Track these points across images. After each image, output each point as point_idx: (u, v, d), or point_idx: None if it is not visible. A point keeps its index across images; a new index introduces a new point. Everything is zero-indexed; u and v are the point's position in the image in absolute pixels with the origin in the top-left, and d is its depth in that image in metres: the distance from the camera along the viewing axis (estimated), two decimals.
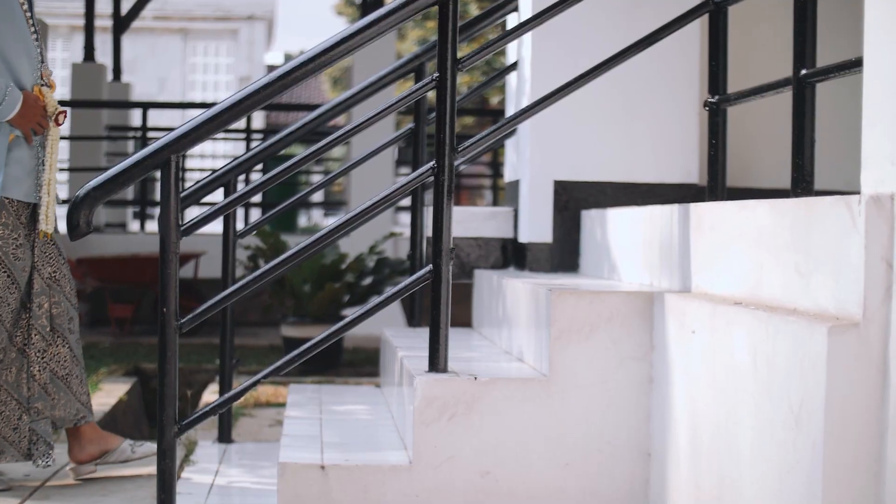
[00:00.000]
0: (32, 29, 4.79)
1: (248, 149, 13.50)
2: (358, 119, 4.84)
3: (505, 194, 6.71)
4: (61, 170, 16.53)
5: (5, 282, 4.71)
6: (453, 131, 4.04)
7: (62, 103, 16.53)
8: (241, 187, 5.33)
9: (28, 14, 4.77)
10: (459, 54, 4.11)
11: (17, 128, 4.70)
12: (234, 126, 4.76)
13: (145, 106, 14.93)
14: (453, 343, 4.21)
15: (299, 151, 4.80)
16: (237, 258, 8.58)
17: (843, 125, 4.76)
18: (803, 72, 3.86)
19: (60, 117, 4.80)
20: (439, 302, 4.02)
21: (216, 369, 8.80)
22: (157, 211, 3.99)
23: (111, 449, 5.03)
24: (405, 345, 4.98)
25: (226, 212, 4.25)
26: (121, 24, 17.06)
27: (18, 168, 4.69)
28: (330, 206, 26.91)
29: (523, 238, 5.84)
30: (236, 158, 5.53)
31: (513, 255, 6.08)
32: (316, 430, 4.58)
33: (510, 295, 4.80)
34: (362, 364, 9.93)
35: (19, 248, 4.74)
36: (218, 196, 5.89)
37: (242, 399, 6.65)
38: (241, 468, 5.25)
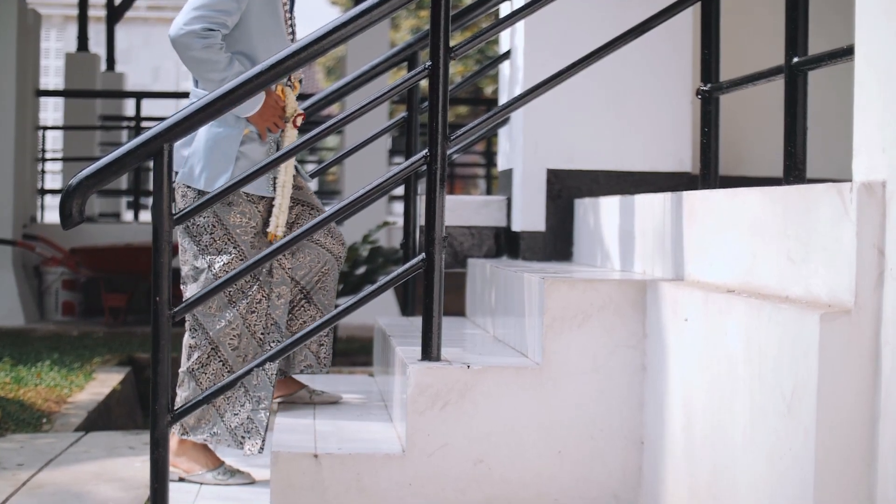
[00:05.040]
0: (290, 29, 4.75)
1: None
2: (351, 108, 4.84)
3: (498, 183, 6.71)
4: (55, 160, 16.52)
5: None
6: (446, 120, 4.04)
7: (54, 93, 16.58)
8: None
9: (288, 14, 4.75)
10: (452, 43, 4.10)
11: (254, 124, 4.65)
12: None
13: (139, 95, 14.92)
14: (446, 332, 4.21)
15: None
16: None
17: (835, 113, 4.76)
18: (795, 60, 3.86)
19: (298, 119, 4.72)
20: (432, 290, 4.03)
21: None
22: (150, 200, 3.98)
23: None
24: (399, 333, 4.98)
25: (219, 200, 4.24)
26: (115, 13, 17.05)
27: (248, 163, 4.61)
28: (324, 195, 26.88)
29: (516, 227, 5.84)
30: None
31: (506, 243, 6.08)
32: (309, 418, 4.58)
33: (503, 283, 4.80)
34: (356, 353, 9.93)
35: (256, 237, 4.68)
36: None
37: None
38: (234, 457, 5.24)
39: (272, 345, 4.70)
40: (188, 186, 4.65)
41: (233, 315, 4.62)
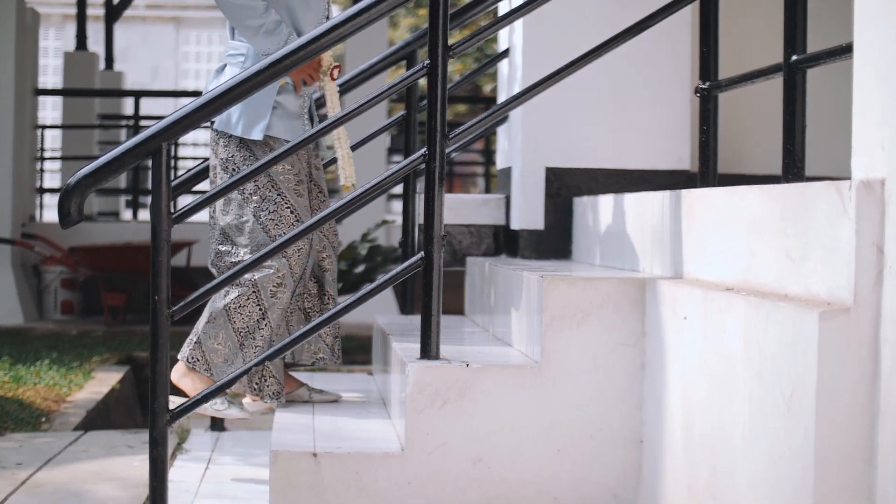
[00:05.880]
0: None
1: None
2: (350, 106, 4.83)
3: (497, 181, 6.71)
4: (54, 158, 16.51)
5: (288, 219, 4.69)
6: (444, 118, 4.04)
7: (53, 92, 16.57)
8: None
9: None
10: (451, 41, 4.10)
11: (289, 76, 4.70)
12: None
13: (137, 94, 14.92)
14: (445, 330, 4.21)
15: None
16: None
17: (834, 111, 4.76)
18: (794, 58, 3.85)
19: (335, 72, 4.81)
20: (431, 289, 4.02)
21: None
22: (149, 199, 3.99)
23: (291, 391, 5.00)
24: (397, 332, 4.98)
25: (217, 199, 4.25)
26: (113, 12, 17.04)
27: (284, 112, 4.71)
28: None
29: (515, 225, 5.84)
30: None
31: (505, 242, 6.08)
32: (308, 417, 4.58)
33: (502, 282, 4.80)
34: (355, 352, 9.92)
35: (300, 185, 4.74)
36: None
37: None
38: (233, 456, 5.25)
39: (299, 290, 4.79)
40: (229, 136, 4.71)
41: (280, 263, 4.66)
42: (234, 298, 4.65)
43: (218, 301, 4.68)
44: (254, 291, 4.65)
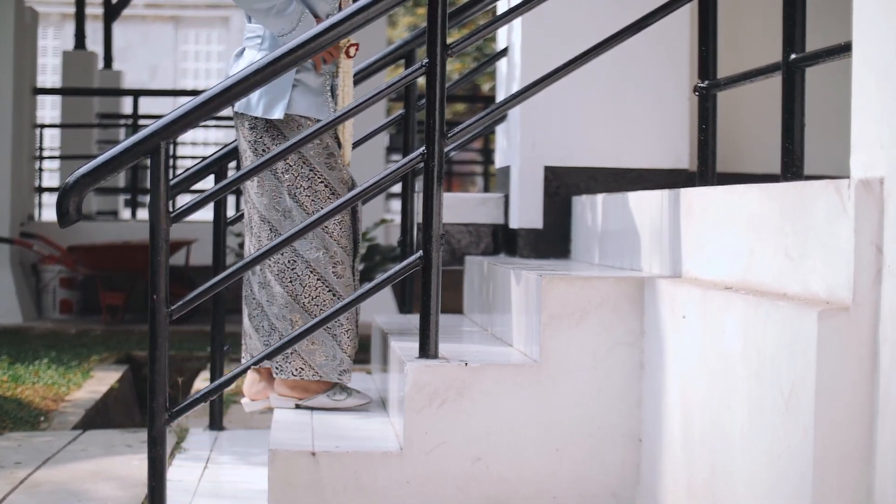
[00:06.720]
0: None
1: None
2: (349, 105, 4.83)
3: (496, 180, 6.71)
4: (53, 158, 16.51)
5: (323, 193, 4.66)
6: (443, 117, 4.04)
7: (51, 91, 16.56)
8: (231, 174, 5.31)
9: None
10: (449, 40, 4.10)
11: None
12: (224, 113, 4.78)
13: (136, 93, 14.92)
14: (444, 329, 4.20)
15: None
16: (228, 245, 8.57)
17: (833, 110, 4.76)
18: (793, 56, 3.85)
19: (351, 50, 4.77)
20: (429, 288, 4.02)
21: (207, 357, 8.80)
22: (148, 198, 3.99)
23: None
24: (396, 331, 4.98)
25: (216, 198, 4.24)
26: (112, 11, 17.04)
27: (305, 89, 4.67)
28: None
29: (514, 224, 5.84)
30: (227, 145, 5.52)
31: (504, 241, 6.07)
32: (307, 416, 4.57)
33: (501, 281, 4.80)
34: None
35: (331, 158, 4.70)
36: (209, 183, 5.88)
37: (234, 386, 6.65)
38: (232, 455, 5.25)
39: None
40: (254, 117, 4.68)
41: (327, 242, 4.65)
42: (301, 292, 4.62)
43: (283, 306, 4.64)
44: (318, 279, 4.62)
